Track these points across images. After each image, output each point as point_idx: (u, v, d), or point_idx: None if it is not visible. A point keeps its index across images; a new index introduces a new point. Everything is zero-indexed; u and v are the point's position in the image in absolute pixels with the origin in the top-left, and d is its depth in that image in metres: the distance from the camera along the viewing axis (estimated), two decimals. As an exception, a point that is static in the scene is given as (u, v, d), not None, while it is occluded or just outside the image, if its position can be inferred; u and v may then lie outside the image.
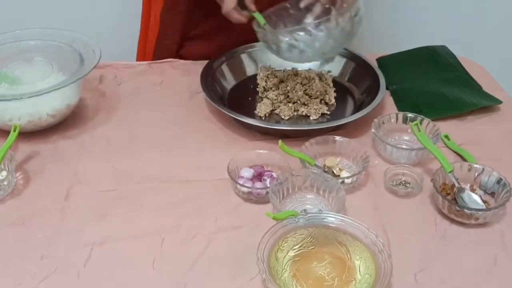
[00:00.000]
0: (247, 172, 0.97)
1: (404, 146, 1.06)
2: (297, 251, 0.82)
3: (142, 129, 1.12)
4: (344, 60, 1.27)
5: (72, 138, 1.09)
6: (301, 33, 1.05)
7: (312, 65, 1.27)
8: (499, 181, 0.93)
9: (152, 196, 0.95)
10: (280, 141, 0.97)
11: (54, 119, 1.08)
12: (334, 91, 1.21)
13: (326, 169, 0.99)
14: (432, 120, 1.07)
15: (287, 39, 1.05)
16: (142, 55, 1.41)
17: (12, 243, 0.86)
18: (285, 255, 0.81)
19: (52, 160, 1.03)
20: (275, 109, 1.16)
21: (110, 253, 0.85)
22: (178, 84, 1.26)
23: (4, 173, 0.97)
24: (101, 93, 1.23)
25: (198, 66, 1.25)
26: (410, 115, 1.08)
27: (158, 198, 0.95)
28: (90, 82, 1.24)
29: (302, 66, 1.26)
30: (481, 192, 0.94)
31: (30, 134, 1.07)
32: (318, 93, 1.17)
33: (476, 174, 0.95)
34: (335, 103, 1.19)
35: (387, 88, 1.18)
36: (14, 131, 1.00)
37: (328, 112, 1.16)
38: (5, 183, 0.94)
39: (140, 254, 0.85)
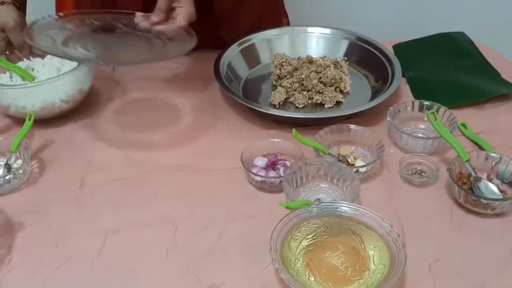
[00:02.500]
0: (261, 161, 0.96)
1: (420, 135, 1.04)
2: (310, 240, 0.81)
3: (156, 118, 1.12)
4: (359, 47, 1.25)
5: (86, 126, 1.09)
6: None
7: (327, 52, 1.26)
8: (517, 170, 0.91)
9: (166, 185, 0.95)
10: (294, 129, 0.96)
11: (67, 105, 1.08)
12: (349, 79, 1.19)
13: (341, 158, 0.98)
14: (449, 108, 1.05)
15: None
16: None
17: (27, 231, 0.87)
18: (298, 245, 0.80)
19: (66, 148, 1.04)
20: (290, 97, 1.15)
21: (124, 241, 0.85)
22: (192, 72, 1.25)
23: (20, 161, 0.98)
24: (115, 81, 1.23)
25: (213, 54, 1.24)
26: (426, 103, 1.06)
27: (171, 186, 0.95)
28: (104, 70, 1.24)
29: (317, 54, 1.24)
30: (498, 182, 0.93)
31: (45, 122, 1.08)
32: (333, 81, 1.15)
33: (494, 163, 0.93)
34: (350, 91, 1.18)
35: (403, 76, 1.17)
36: (29, 119, 1.00)
37: (343, 100, 1.15)
38: (21, 171, 0.95)
39: (153, 243, 0.85)
